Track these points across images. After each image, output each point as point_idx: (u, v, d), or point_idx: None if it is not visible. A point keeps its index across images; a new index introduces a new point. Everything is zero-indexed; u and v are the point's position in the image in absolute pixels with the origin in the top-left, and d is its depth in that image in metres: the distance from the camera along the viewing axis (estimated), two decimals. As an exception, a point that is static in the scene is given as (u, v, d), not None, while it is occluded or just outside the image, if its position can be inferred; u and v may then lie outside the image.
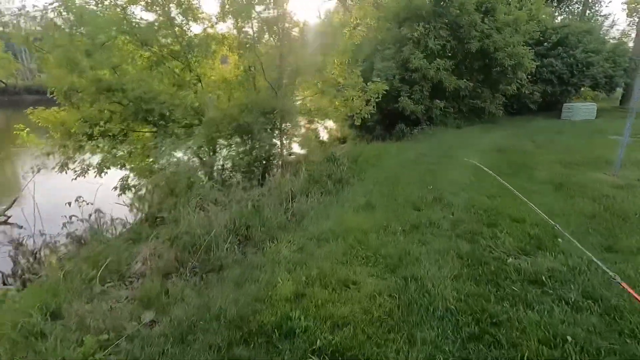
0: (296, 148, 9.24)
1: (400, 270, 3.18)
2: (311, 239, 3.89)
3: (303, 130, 10.09)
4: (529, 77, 14.76)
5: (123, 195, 6.39)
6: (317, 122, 10.41)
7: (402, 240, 3.79)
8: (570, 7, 24.03)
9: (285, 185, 5.24)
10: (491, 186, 5.72)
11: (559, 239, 3.63)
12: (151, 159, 6.76)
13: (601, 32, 18.29)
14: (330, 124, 13.22)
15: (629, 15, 25.69)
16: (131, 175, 6.80)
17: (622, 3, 40.35)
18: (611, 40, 19.08)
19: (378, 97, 9.34)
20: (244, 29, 8.26)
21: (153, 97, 6.72)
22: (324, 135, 14.14)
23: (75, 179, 6.74)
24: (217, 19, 9.20)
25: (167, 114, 6.90)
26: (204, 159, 7.18)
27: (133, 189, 6.16)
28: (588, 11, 23.43)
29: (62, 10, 5.86)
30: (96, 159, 7.02)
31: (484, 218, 4.32)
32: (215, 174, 6.44)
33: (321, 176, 6.03)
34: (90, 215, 4.57)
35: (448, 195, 5.29)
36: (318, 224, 4.29)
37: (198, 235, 3.53)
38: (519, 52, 12.96)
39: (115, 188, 6.47)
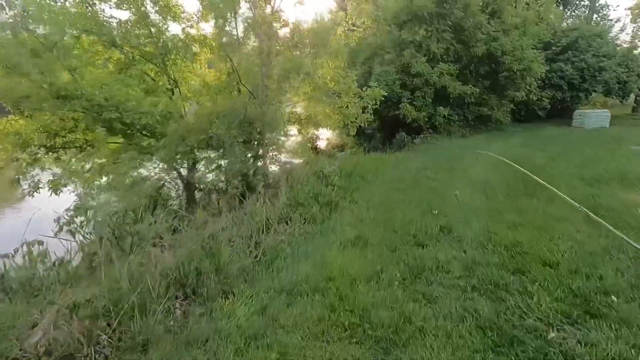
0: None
1: (396, 352, 2.24)
2: (280, 292, 2.95)
3: (296, 140, 9.21)
4: (538, 82, 13.89)
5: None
6: (309, 131, 9.54)
7: (400, 295, 2.84)
8: (577, 12, 23.27)
9: (260, 211, 4.30)
10: (508, 210, 4.79)
11: (613, 297, 2.68)
12: (108, 177, 5.83)
13: (609, 36, 17.45)
14: (328, 132, 12.37)
15: (633, 21, 25.04)
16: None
17: (625, 9, 39.72)
18: (623, 45, 18.26)
19: (376, 104, 8.46)
20: (225, 28, 7.41)
21: (116, 105, 5.84)
22: (321, 144, 13.28)
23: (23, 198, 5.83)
24: (198, 18, 8.38)
25: (134, 122, 6.03)
26: (178, 175, 6.29)
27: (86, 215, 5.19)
28: (595, 15, 22.65)
29: (4, 4, 5.01)
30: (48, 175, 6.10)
31: (507, 259, 3.38)
32: (183, 195, 5.50)
33: (307, 198, 5.09)
34: (12, 253, 3.62)
35: (457, 223, 4.35)
36: (293, 268, 3.35)
37: (123, 292, 2.60)
38: (528, 56, 12.08)
39: (68, 209, 5.53)
